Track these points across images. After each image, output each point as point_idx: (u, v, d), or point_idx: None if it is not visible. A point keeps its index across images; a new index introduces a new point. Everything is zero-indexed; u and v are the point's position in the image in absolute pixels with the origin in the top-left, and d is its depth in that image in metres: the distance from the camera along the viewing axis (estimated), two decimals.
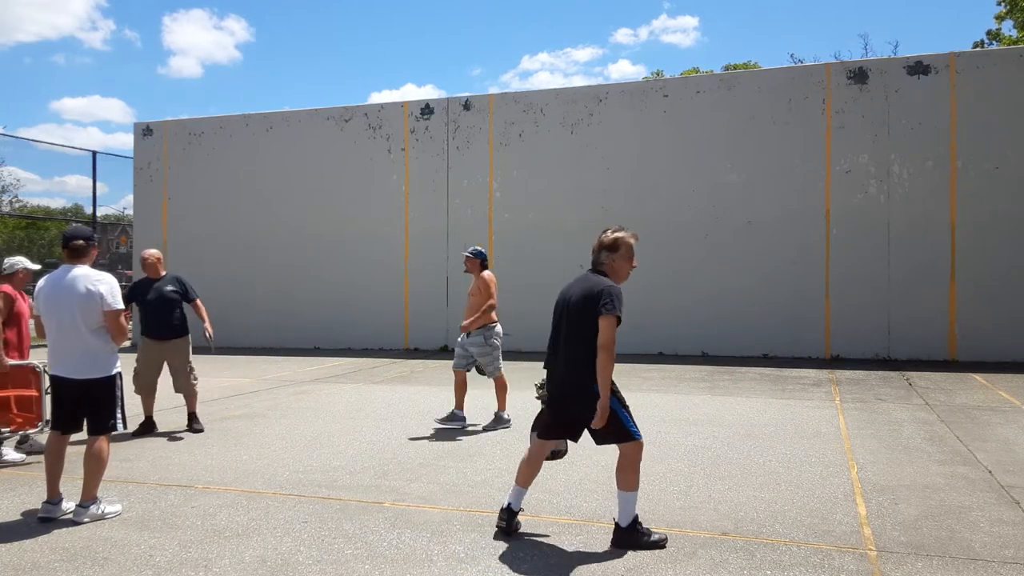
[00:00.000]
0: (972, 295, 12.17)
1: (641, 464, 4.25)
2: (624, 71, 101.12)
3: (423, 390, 9.97)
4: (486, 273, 7.51)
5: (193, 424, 7.46)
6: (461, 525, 4.56)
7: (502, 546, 4.22)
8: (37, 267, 6.67)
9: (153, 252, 7.68)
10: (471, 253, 7.58)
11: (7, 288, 6.26)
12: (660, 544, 4.16)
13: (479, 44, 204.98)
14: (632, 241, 4.29)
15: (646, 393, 9.32)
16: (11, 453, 6.34)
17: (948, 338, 12.29)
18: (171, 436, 7.23)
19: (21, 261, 6.41)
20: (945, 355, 12.26)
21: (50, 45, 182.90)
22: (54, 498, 4.77)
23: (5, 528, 4.61)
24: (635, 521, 4.19)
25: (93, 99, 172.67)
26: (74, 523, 4.63)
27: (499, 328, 7.58)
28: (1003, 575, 3.79)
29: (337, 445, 6.74)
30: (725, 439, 6.79)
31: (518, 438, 6.87)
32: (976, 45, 29.89)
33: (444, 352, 14.49)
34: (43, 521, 4.69)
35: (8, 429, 6.15)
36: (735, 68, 38.48)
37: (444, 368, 12.21)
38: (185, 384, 7.56)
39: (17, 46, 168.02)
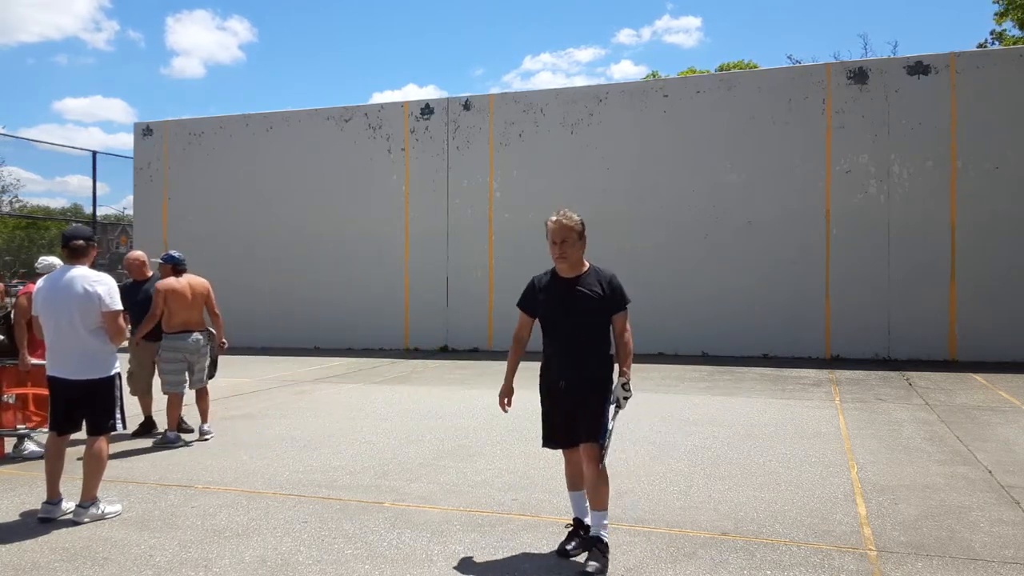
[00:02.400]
0: (972, 295, 12.16)
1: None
2: (626, 71, 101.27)
3: (423, 390, 9.96)
4: (162, 281, 6.97)
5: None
6: (461, 525, 4.56)
7: (502, 546, 4.22)
8: None
9: (137, 254, 7.60)
10: (162, 259, 7.11)
11: (34, 288, 6.24)
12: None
13: (481, 44, 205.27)
14: (548, 224, 4.03)
15: (646, 393, 9.31)
16: (33, 446, 6.38)
17: (948, 338, 12.29)
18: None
19: (54, 263, 6.36)
20: (945, 355, 12.26)
21: (53, 45, 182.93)
22: (54, 498, 4.77)
23: (5, 528, 4.61)
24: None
25: (95, 99, 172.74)
26: (74, 523, 4.64)
27: (168, 341, 7.01)
28: (1003, 575, 3.79)
29: (337, 445, 6.74)
30: (725, 439, 6.79)
31: (519, 439, 6.87)
32: (980, 45, 29.85)
33: (444, 352, 14.50)
34: (43, 521, 4.69)
35: (25, 426, 6.18)
36: (730, 67, 38.46)
37: (444, 368, 12.21)
38: None
39: (20, 46, 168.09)
